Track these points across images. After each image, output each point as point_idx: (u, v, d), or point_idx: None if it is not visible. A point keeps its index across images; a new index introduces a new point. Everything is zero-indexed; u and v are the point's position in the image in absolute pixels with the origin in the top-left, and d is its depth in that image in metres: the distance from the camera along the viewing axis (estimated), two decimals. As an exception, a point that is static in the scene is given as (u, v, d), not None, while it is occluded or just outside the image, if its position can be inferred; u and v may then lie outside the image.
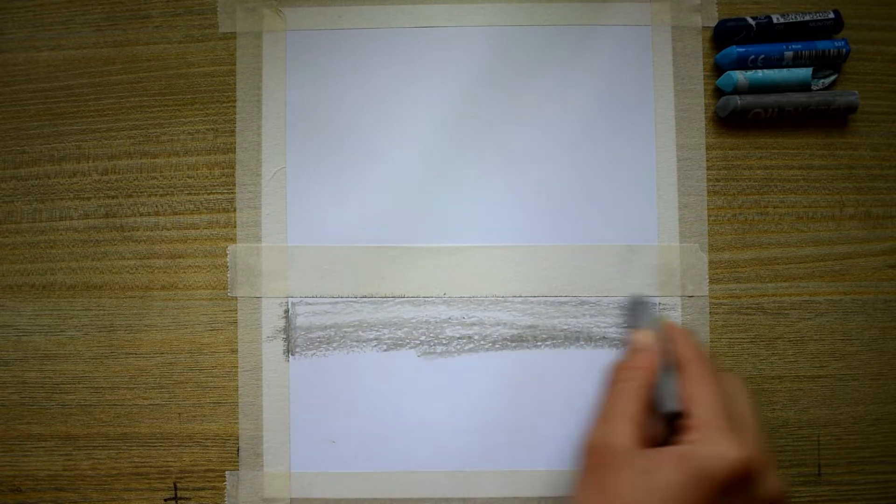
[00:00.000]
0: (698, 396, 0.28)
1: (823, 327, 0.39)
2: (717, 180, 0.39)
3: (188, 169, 0.39)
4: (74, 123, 0.39)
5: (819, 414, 0.38)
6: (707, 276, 0.39)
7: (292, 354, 0.39)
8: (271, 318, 0.39)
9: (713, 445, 0.26)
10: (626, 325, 0.35)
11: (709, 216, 0.39)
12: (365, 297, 0.39)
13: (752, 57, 0.38)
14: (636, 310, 0.36)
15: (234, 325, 0.39)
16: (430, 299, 0.39)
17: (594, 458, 0.28)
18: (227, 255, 0.39)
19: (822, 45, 0.38)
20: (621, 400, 0.29)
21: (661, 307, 0.39)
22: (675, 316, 0.38)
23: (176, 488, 0.38)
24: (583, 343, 0.39)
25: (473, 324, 0.39)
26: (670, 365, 0.31)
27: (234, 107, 0.39)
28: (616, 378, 0.30)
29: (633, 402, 0.29)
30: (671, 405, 0.29)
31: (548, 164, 0.39)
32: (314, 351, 0.39)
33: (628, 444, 0.27)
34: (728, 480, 0.26)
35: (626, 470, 0.27)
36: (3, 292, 0.39)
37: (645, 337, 0.32)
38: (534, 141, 0.39)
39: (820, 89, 0.38)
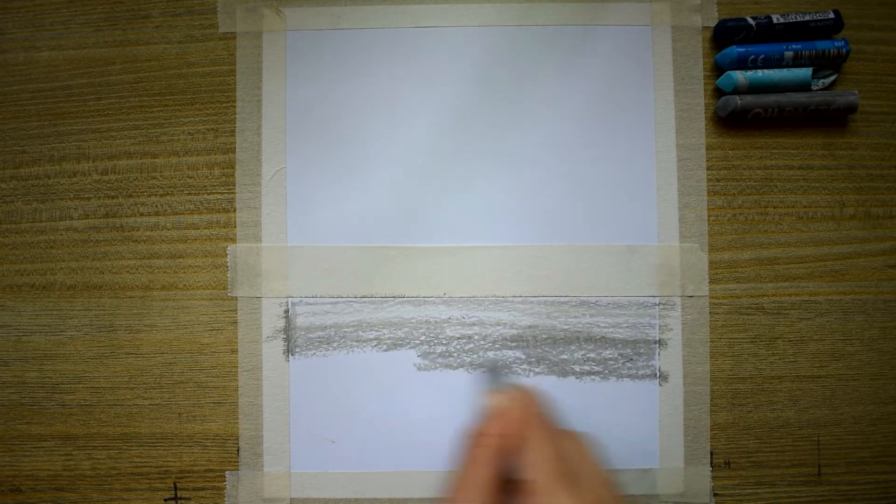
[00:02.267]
0: (534, 461, 0.29)
1: (823, 327, 0.39)
2: (717, 180, 0.39)
3: (188, 169, 0.39)
4: (74, 123, 0.40)
5: (819, 414, 0.38)
6: (707, 276, 0.39)
7: (292, 354, 0.39)
8: (271, 318, 0.39)
9: (550, 496, 0.27)
10: (482, 387, 0.35)
11: (709, 216, 0.39)
12: (365, 297, 0.39)
13: (752, 57, 0.38)
14: (492, 373, 0.37)
15: (234, 325, 0.39)
16: (430, 299, 0.39)
17: None
18: (227, 255, 0.39)
19: (822, 45, 0.38)
20: (475, 468, 0.29)
21: (659, 306, 0.39)
22: (675, 316, 0.39)
23: (176, 488, 0.38)
24: (583, 343, 0.39)
25: (473, 324, 0.39)
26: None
27: (234, 107, 0.39)
28: (470, 445, 0.30)
29: (486, 469, 0.29)
30: (518, 473, 0.29)
31: (548, 164, 0.39)
32: (314, 351, 0.39)
33: None
34: None
35: None
36: (3, 292, 0.39)
37: (499, 401, 0.32)
38: (534, 141, 0.39)
39: (820, 89, 0.39)
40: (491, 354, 0.39)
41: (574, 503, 0.27)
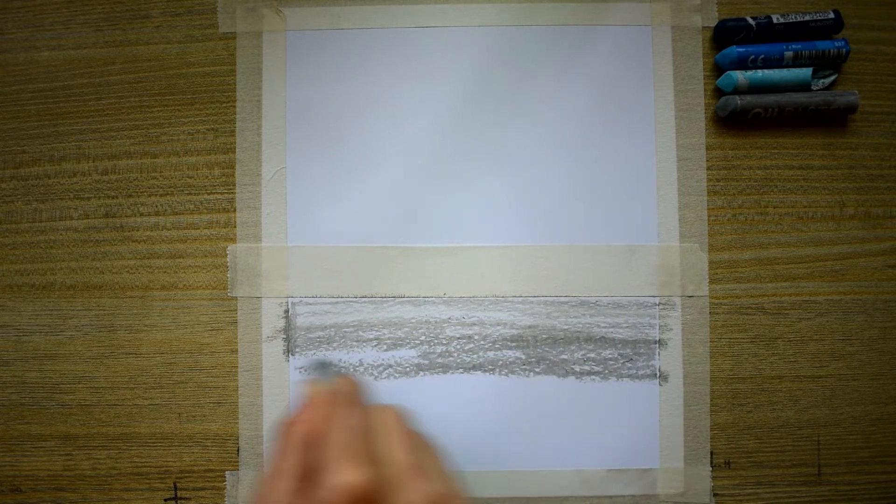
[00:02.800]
0: (328, 440, 0.28)
1: (823, 327, 0.39)
2: (717, 180, 0.39)
3: (188, 169, 0.39)
4: (74, 123, 0.39)
5: (819, 414, 0.38)
6: (707, 276, 0.39)
7: (292, 354, 0.39)
8: (271, 318, 0.39)
9: (326, 480, 0.27)
10: (307, 379, 0.36)
11: (709, 216, 0.39)
12: (365, 297, 0.39)
13: (752, 57, 0.38)
14: (320, 368, 0.37)
15: (234, 325, 0.39)
16: (430, 299, 0.39)
17: None
18: (227, 255, 0.39)
19: (822, 45, 0.38)
20: (283, 456, 0.29)
21: (659, 306, 0.39)
22: (675, 316, 0.38)
23: (176, 488, 0.38)
24: (583, 343, 0.39)
25: (473, 324, 0.39)
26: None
27: (234, 107, 0.39)
28: (281, 434, 0.30)
29: (294, 457, 0.28)
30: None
31: (548, 164, 0.39)
32: (314, 351, 0.39)
33: (287, 502, 0.27)
34: None
35: None
36: (3, 292, 0.39)
37: (313, 390, 0.32)
38: (534, 141, 0.39)
39: (820, 89, 0.39)
40: (491, 354, 0.39)
41: (351, 472, 0.26)
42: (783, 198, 0.39)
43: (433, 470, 0.29)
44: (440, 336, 0.39)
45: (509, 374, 0.38)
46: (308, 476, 0.27)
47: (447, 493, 0.28)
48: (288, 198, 0.39)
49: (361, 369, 0.39)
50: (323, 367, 0.38)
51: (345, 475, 0.26)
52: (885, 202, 0.39)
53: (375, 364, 0.39)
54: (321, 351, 0.39)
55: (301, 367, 0.38)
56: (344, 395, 0.31)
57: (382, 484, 0.27)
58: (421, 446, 0.29)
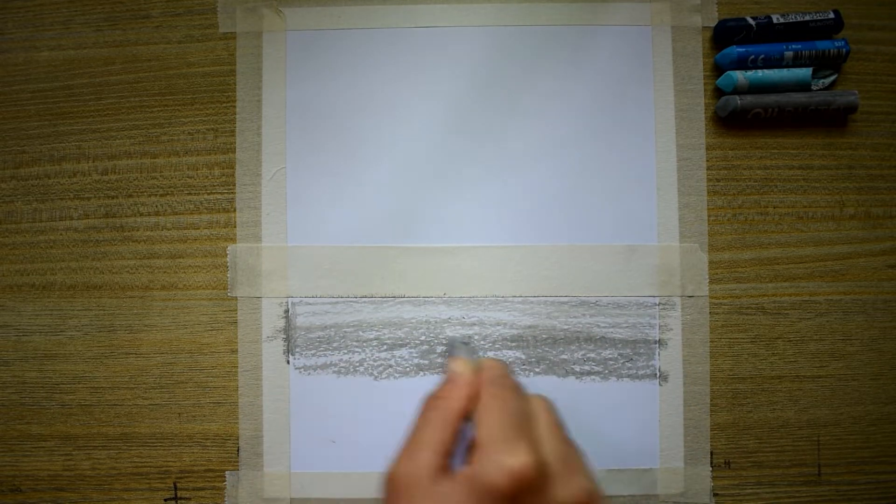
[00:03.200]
0: (482, 418, 0.28)
1: (823, 327, 0.39)
2: (717, 180, 0.39)
3: (188, 169, 0.39)
4: (74, 123, 0.39)
5: (819, 414, 0.38)
6: (707, 276, 0.39)
7: (292, 354, 0.39)
8: (271, 318, 0.39)
9: (491, 460, 0.26)
10: (446, 355, 0.36)
11: (709, 216, 0.39)
12: (365, 297, 0.39)
13: (752, 57, 0.38)
14: (456, 348, 0.37)
15: (234, 325, 0.39)
16: (430, 299, 0.39)
17: (396, 488, 0.28)
18: (227, 255, 0.39)
19: (822, 45, 0.38)
20: (427, 430, 0.28)
21: (659, 306, 0.39)
22: (675, 316, 0.38)
23: (176, 488, 0.38)
24: (583, 343, 0.39)
25: (473, 324, 0.39)
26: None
27: (234, 107, 0.39)
28: (425, 408, 0.30)
29: (439, 431, 0.28)
30: (471, 433, 0.29)
31: (548, 164, 0.39)
32: (314, 351, 0.39)
33: (429, 475, 0.27)
34: (511, 489, 0.25)
35: (425, 501, 0.27)
36: (3, 292, 0.39)
37: (458, 367, 0.31)
38: (534, 141, 0.39)
39: (820, 89, 0.39)
40: (491, 354, 0.38)
41: (515, 455, 0.26)
42: (783, 198, 0.39)
43: (582, 465, 0.29)
44: (440, 336, 0.39)
45: (476, 350, 0.38)
46: (452, 452, 0.27)
47: (597, 491, 0.28)
48: (288, 198, 0.39)
49: (361, 369, 0.39)
50: (463, 346, 0.37)
51: (514, 457, 0.26)
52: (885, 202, 0.39)
53: (375, 364, 0.39)
54: (486, 354, 0.38)
55: (443, 346, 0.38)
56: (510, 380, 0.30)
57: (547, 472, 0.26)
58: (569, 441, 0.29)
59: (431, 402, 0.30)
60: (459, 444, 0.28)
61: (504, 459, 0.26)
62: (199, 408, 0.39)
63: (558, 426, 0.29)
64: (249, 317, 0.39)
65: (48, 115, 0.40)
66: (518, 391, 0.30)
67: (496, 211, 0.39)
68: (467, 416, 0.29)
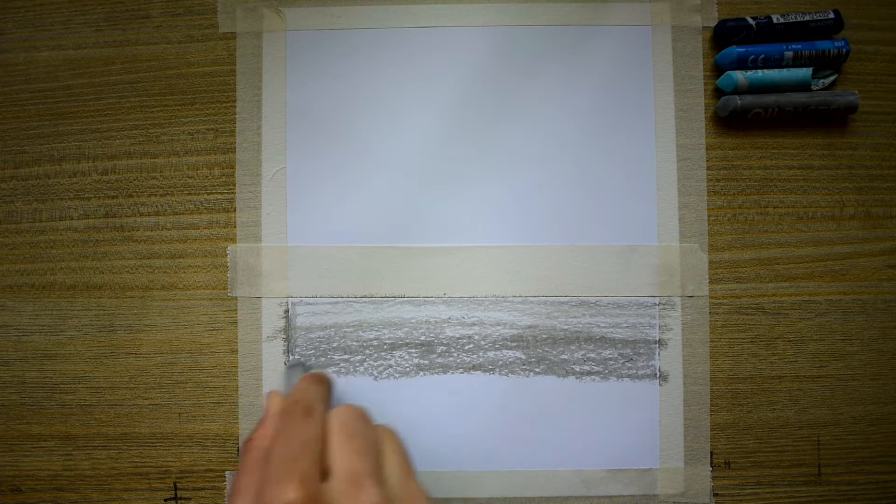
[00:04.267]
0: (272, 452, 0.28)
1: (823, 327, 0.39)
2: (717, 180, 0.39)
3: (188, 169, 0.39)
4: (74, 123, 0.39)
5: (819, 414, 0.38)
6: (707, 276, 0.39)
7: (292, 354, 0.39)
8: (271, 318, 0.39)
9: (268, 497, 0.26)
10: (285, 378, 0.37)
11: (709, 216, 0.39)
12: (365, 297, 0.39)
13: (752, 57, 0.38)
14: (292, 371, 0.37)
15: (234, 325, 0.39)
16: (430, 299, 0.39)
17: None
18: (227, 255, 0.39)
19: (822, 45, 0.38)
20: (244, 475, 0.28)
21: (659, 306, 0.39)
22: (675, 316, 0.38)
23: (176, 488, 0.38)
24: (583, 343, 0.39)
25: (473, 324, 0.39)
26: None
27: (234, 107, 0.39)
28: (243, 451, 0.30)
29: (255, 474, 0.28)
30: None
31: (548, 164, 0.39)
32: (314, 351, 0.39)
33: None
34: None
35: None
36: (3, 292, 0.39)
37: (269, 402, 0.31)
38: (534, 141, 0.39)
39: (820, 89, 0.39)
40: (491, 354, 0.39)
41: (295, 493, 0.25)
42: (783, 198, 0.39)
43: (389, 471, 0.28)
44: (440, 336, 0.39)
45: (509, 374, 0.38)
46: (261, 493, 0.27)
47: (398, 496, 0.27)
48: (288, 198, 0.39)
49: (361, 369, 0.39)
50: (294, 368, 0.37)
51: (283, 493, 0.26)
52: (885, 202, 0.39)
53: (375, 364, 0.39)
54: (487, 354, 0.38)
55: (279, 372, 0.38)
56: (300, 405, 0.30)
57: (321, 498, 0.26)
58: (374, 448, 0.29)
59: (246, 446, 0.30)
60: None
61: (273, 497, 0.26)
62: (199, 408, 0.39)
63: (359, 439, 0.29)
64: (249, 317, 0.39)
65: (48, 115, 0.40)
66: (319, 414, 0.30)
67: (496, 211, 0.39)
68: None
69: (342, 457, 0.28)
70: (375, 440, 0.30)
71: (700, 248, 0.39)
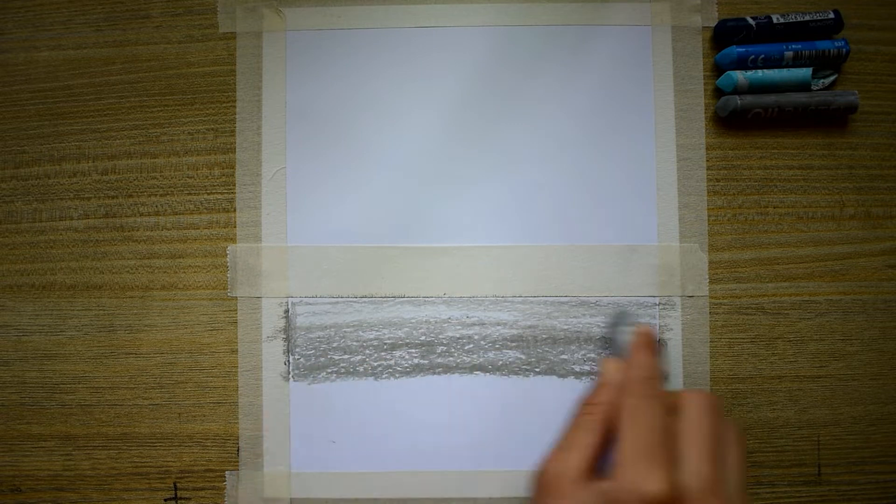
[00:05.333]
0: (623, 433, 0.28)
1: (823, 327, 0.39)
2: (717, 180, 0.39)
3: (188, 169, 0.39)
4: (74, 123, 0.40)
5: (819, 414, 0.38)
6: (707, 276, 0.39)
7: (292, 354, 0.39)
8: (271, 318, 0.39)
9: (626, 482, 0.26)
10: (606, 337, 0.36)
11: (709, 216, 0.39)
12: (365, 297, 0.39)
13: (752, 57, 0.38)
14: (618, 323, 0.36)
15: (234, 325, 0.39)
16: (430, 299, 0.39)
17: (542, 485, 0.28)
18: (227, 255, 0.39)
19: (822, 45, 0.38)
20: (578, 433, 0.29)
21: (659, 306, 0.39)
22: (675, 316, 0.38)
23: (176, 488, 0.38)
24: (583, 343, 0.39)
25: (473, 324, 0.39)
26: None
27: (234, 107, 0.39)
28: (578, 411, 0.30)
29: (590, 435, 0.28)
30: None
31: (548, 164, 0.39)
32: (314, 351, 0.39)
33: (574, 477, 0.27)
34: None
35: (566, 501, 0.27)
36: (3, 292, 0.39)
37: (609, 369, 0.31)
38: (534, 141, 0.39)
39: (820, 89, 0.39)
40: (491, 354, 0.39)
41: (652, 480, 0.25)
42: (783, 198, 0.39)
43: (733, 481, 0.28)
44: (440, 336, 0.39)
45: (509, 374, 0.38)
46: (602, 457, 0.27)
47: None
48: (288, 198, 0.39)
49: (361, 369, 0.39)
50: (619, 325, 0.36)
51: (645, 483, 0.26)
52: (885, 202, 0.39)
53: (375, 364, 0.39)
54: (487, 354, 0.38)
55: (603, 325, 0.38)
56: (640, 385, 0.30)
57: (681, 497, 0.26)
58: (724, 450, 0.28)
59: (583, 407, 0.30)
60: (610, 449, 0.29)
61: (639, 484, 0.26)
62: (199, 408, 0.39)
63: (710, 437, 0.28)
64: (249, 317, 0.39)
65: (48, 115, 0.40)
66: (664, 399, 0.30)
67: (496, 211, 0.39)
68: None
69: (697, 458, 0.27)
70: (724, 440, 0.29)
71: (700, 248, 0.39)
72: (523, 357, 0.39)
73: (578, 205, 0.39)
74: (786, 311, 0.39)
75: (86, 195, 0.39)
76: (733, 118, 0.38)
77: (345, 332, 0.39)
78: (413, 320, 0.39)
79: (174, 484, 0.38)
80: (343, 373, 0.39)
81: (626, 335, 0.34)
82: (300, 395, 0.38)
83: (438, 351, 0.39)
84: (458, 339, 0.39)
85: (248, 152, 0.39)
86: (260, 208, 0.39)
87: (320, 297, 0.39)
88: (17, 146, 0.40)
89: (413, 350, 0.39)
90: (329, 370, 0.39)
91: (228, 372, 0.39)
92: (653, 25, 0.39)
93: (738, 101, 0.38)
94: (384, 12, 0.39)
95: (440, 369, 0.38)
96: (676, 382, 0.38)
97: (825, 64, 0.38)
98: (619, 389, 0.30)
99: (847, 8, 0.39)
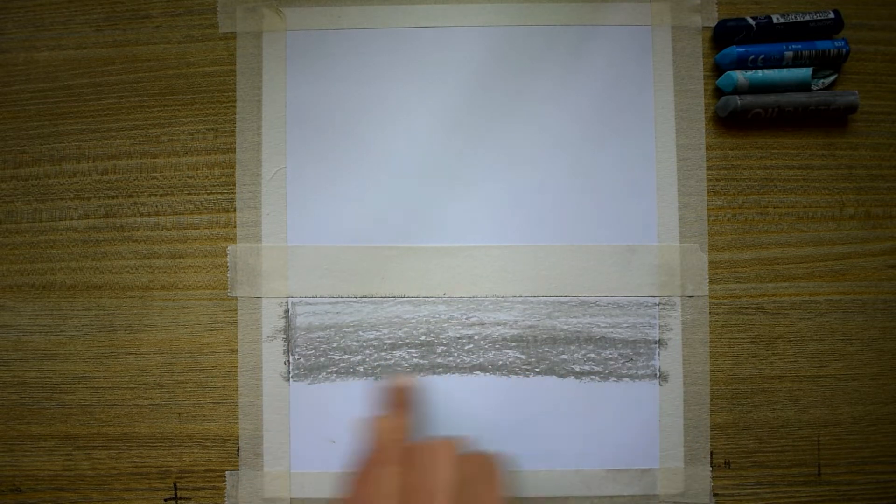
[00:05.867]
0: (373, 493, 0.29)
1: (823, 327, 0.39)
2: (717, 180, 0.39)
3: (188, 169, 0.39)
4: (74, 123, 0.39)
5: (819, 414, 0.38)
6: (707, 276, 0.39)
7: (292, 354, 0.39)
8: (271, 318, 0.39)
9: None
10: (374, 401, 0.37)
11: (709, 216, 0.39)
12: (365, 297, 0.39)
13: (752, 57, 0.38)
14: (384, 382, 0.37)
15: (234, 325, 0.39)
16: (430, 299, 0.39)
17: None
18: (227, 255, 0.39)
19: (822, 45, 0.38)
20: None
21: (659, 306, 0.39)
22: (675, 316, 0.38)
23: (176, 488, 0.38)
24: (583, 343, 0.39)
25: (473, 324, 0.39)
26: None
27: (234, 107, 0.39)
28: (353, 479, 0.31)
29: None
30: None
31: (548, 164, 0.39)
32: (314, 351, 0.39)
33: None
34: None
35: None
36: (3, 292, 0.39)
37: (372, 427, 0.33)
38: (534, 141, 0.39)
39: (820, 89, 0.39)
40: (491, 354, 0.38)
41: None
42: (783, 198, 0.39)
43: (483, 496, 0.29)
44: (440, 336, 0.39)
45: (509, 374, 0.38)
46: None
47: None
48: (288, 198, 0.39)
49: (361, 369, 0.39)
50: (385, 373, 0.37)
51: None
52: (885, 202, 0.39)
53: (375, 364, 0.39)
54: (487, 354, 0.38)
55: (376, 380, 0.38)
56: (387, 443, 0.31)
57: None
58: (474, 490, 0.29)
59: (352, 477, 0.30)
60: None
61: None
62: (199, 408, 0.39)
63: (448, 489, 0.29)
64: (249, 317, 0.39)
65: (48, 115, 0.40)
66: (409, 456, 0.30)
67: (496, 211, 0.39)
68: None
69: (436, 496, 0.28)
70: (474, 481, 0.30)
71: (700, 248, 0.39)
72: (523, 357, 0.39)
73: (578, 205, 0.39)
74: (786, 311, 0.39)
75: (86, 195, 0.39)
76: (733, 118, 0.38)
77: (345, 332, 0.39)
78: (413, 320, 0.39)
79: (174, 484, 0.38)
80: (343, 373, 0.39)
81: (381, 389, 0.35)
82: (300, 395, 0.38)
83: (438, 351, 0.39)
84: (458, 339, 0.39)
85: (248, 152, 0.39)
86: (260, 208, 0.39)
87: (320, 297, 0.39)
88: (17, 146, 0.40)
89: (413, 350, 0.39)
90: (329, 370, 0.39)
91: (228, 372, 0.39)
92: (653, 25, 0.39)
93: (738, 101, 0.38)
94: (384, 12, 0.39)
95: (440, 369, 0.38)
96: (676, 382, 0.38)
97: (825, 64, 0.38)
98: (376, 447, 0.31)
99: (847, 8, 0.39)
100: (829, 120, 0.39)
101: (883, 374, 0.39)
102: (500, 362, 0.39)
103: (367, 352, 0.39)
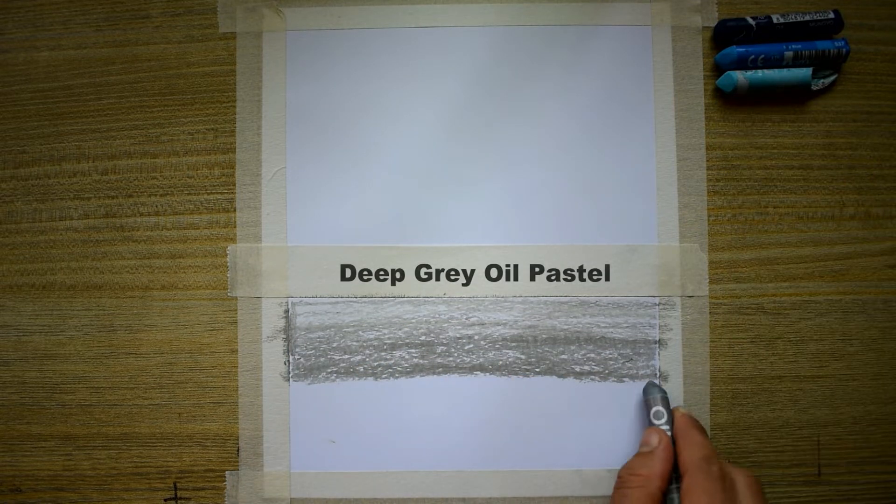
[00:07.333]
0: None
1: (823, 327, 0.39)
2: (717, 180, 0.39)
3: (188, 169, 0.39)
4: (74, 123, 0.40)
5: (819, 414, 0.38)
6: (707, 276, 0.39)
7: (292, 354, 0.39)
8: (271, 318, 0.39)
9: None
10: (644, 409, 0.37)
11: (709, 216, 0.39)
12: (365, 297, 0.39)
13: (752, 57, 0.38)
14: (649, 394, 0.37)
15: (234, 325, 0.39)
16: (430, 299, 0.39)
17: None
18: (227, 255, 0.39)
19: (822, 45, 0.38)
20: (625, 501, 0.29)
21: (659, 306, 0.39)
22: (675, 316, 0.38)
23: (176, 488, 0.38)
24: (583, 343, 0.39)
25: (473, 324, 0.39)
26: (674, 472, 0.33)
27: (234, 107, 0.39)
28: (621, 484, 0.31)
29: None
30: None
31: (548, 164, 0.39)
32: (314, 351, 0.39)
33: None
34: None
35: None
36: (3, 292, 0.39)
37: (654, 439, 0.32)
38: (534, 141, 0.39)
39: (820, 89, 0.39)
40: (491, 354, 0.38)
41: None
42: (783, 198, 0.39)
43: None
44: (440, 336, 0.39)
45: (509, 374, 0.38)
46: None
47: None
48: (288, 198, 0.39)
49: (361, 369, 0.39)
50: (659, 395, 0.37)
51: None
52: (885, 202, 0.39)
53: (375, 364, 0.39)
54: (487, 354, 0.38)
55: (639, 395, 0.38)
56: (701, 463, 0.31)
57: None
58: None
59: (628, 480, 0.30)
60: None
61: None
62: (199, 408, 0.39)
63: None
64: (249, 317, 0.39)
65: (48, 115, 0.40)
66: (724, 480, 0.31)
67: (496, 211, 0.39)
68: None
69: None
70: None
71: (700, 248, 0.39)
72: (523, 357, 0.39)
73: (579, 205, 0.39)
74: (786, 311, 0.39)
75: (86, 195, 0.39)
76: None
77: (345, 332, 0.39)
78: (413, 320, 0.39)
79: (174, 484, 0.38)
80: (343, 373, 0.39)
81: (663, 407, 0.36)
82: (300, 395, 0.38)
83: (438, 351, 0.39)
84: (458, 339, 0.39)
85: (248, 152, 0.39)
86: (260, 208, 0.39)
87: (320, 297, 0.39)
88: (17, 146, 0.40)
89: (413, 350, 0.39)
90: (329, 370, 0.39)
91: (228, 372, 0.39)
92: (653, 25, 0.39)
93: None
94: (384, 12, 0.39)
95: (440, 369, 0.38)
96: (676, 382, 0.38)
97: (825, 64, 0.38)
98: (664, 461, 0.31)
99: (847, 8, 0.39)
100: (830, 116, 0.39)
101: (883, 374, 0.39)
102: (500, 362, 0.39)
103: (367, 352, 0.39)
